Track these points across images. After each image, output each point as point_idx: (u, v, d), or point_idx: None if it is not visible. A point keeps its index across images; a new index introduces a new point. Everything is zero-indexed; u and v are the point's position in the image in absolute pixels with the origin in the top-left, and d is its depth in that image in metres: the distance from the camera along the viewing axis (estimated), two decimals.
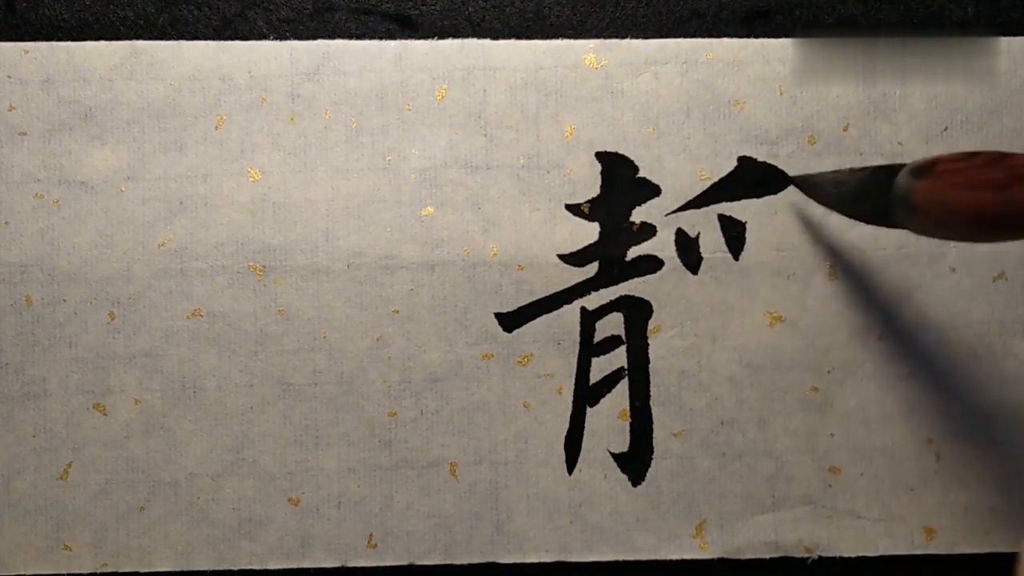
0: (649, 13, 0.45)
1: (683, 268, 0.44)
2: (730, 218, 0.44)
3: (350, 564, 0.43)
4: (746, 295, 0.44)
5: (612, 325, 0.44)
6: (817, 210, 0.43)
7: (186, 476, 0.43)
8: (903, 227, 0.33)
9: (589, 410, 0.44)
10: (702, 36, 0.44)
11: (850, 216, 0.39)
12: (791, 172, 0.44)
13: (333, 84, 0.44)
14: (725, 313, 0.44)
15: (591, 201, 0.44)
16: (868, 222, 0.37)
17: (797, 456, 0.44)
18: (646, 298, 0.44)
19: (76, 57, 0.43)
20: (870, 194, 0.35)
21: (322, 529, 0.43)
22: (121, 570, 0.43)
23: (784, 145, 0.44)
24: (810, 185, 0.42)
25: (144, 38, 0.44)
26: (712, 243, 0.44)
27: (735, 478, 0.44)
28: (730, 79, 0.44)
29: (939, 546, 0.44)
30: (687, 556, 0.43)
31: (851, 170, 0.39)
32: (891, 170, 0.33)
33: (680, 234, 0.44)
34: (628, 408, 0.44)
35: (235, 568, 0.43)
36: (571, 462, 0.44)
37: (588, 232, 0.44)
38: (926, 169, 0.30)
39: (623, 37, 0.44)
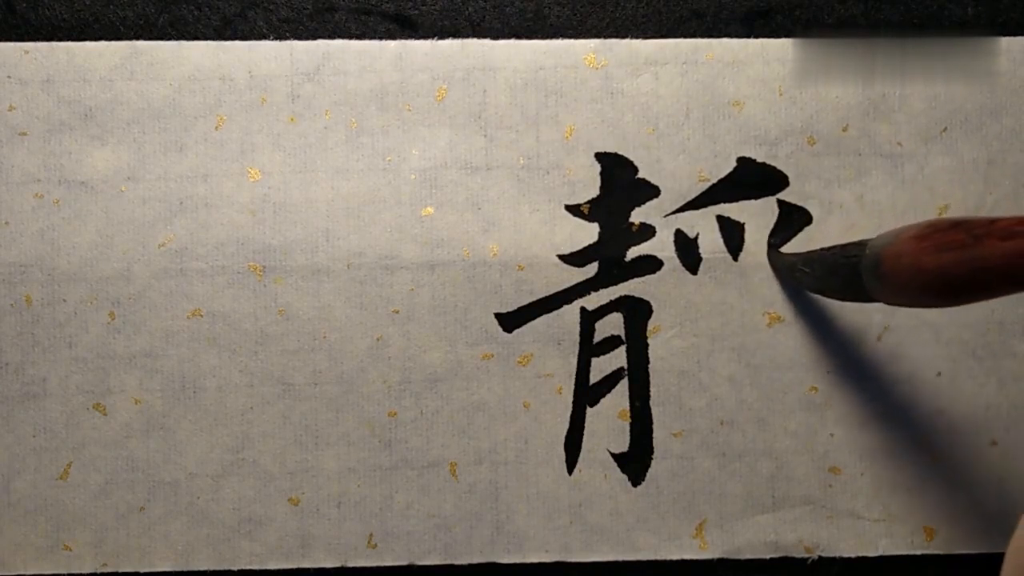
0: (649, 13, 0.45)
1: (682, 268, 0.44)
2: (729, 219, 0.44)
3: (350, 564, 0.43)
4: (745, 295, 0.44)
5: (612, 325, 0.44)
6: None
7: (186, 476, 0.43)
8: (871, 300, 0.34)
9: (589, 410, 0.44)
10: (702, 36, 0.44)
11: (823, 295, 0.40)
12: (791, 172, 0.44)
13: (333, 84, 0.44)
14: (724, 313, 0.44)
15: (591, 201, 0.44)
16: (842, 299, 0.37)
17: (797, 456, 0.44)
18: (646, 298, 0.44)
19: (76, 57, 0.43)
20: (840, 271, 0.35)
21: (322, 529, 0.43)
22: (121, 570, 0.43)
23: (784, 146, 0.44)
24: (781, 267, 0.43)
25: (144, 38, 0.44)
26: (711, 244, 0.44)
27: (735, 478, 0.44)
28: (730, 79, 0.44)
29: (939, 546, 0.44)
30: (687, 556, 0.43)
31: (820, 250, 0.39)
32: (859, 245, 0.34)
33: (679, 235, 0.44)
34: (628, 408, 0.44)
35: (235, 568, 0.43)
36: (571, 462, 0.44)
37: (588, 232, 0.44)
38: (891, 239, 0.31)
39: (623, 37, 0.44)
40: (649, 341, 0.44)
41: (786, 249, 0.44)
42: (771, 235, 0.44)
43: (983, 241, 0.27)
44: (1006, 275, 0.27)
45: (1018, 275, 0.27)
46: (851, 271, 0.34)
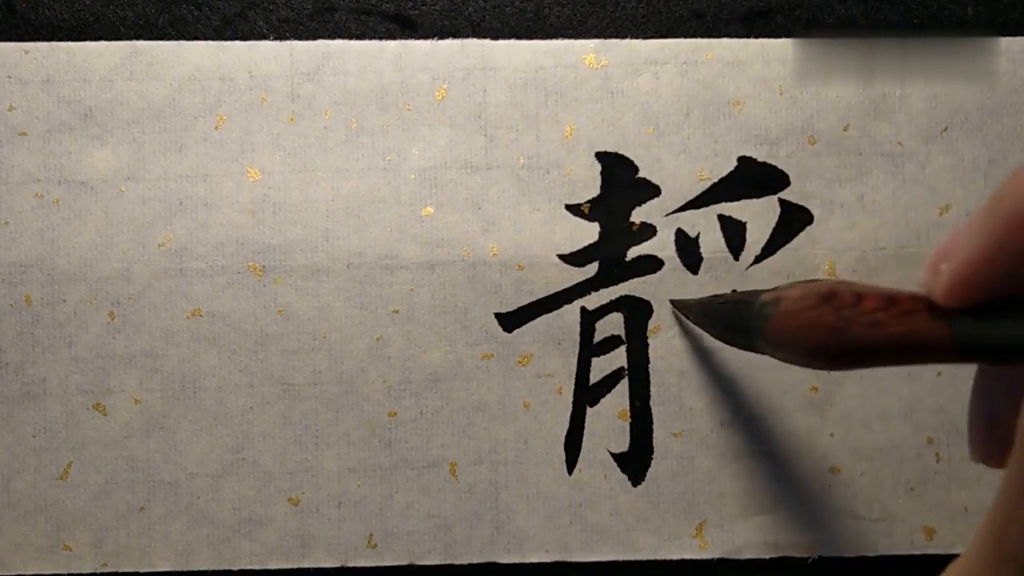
0: (649, 13, 0.45)
1: (683, 268, 0.44)
2: (730, 218, 0.44)
3: (350, 564, 0.43)
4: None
5: (612, 325, 0.44)
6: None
7: (186, 476, 0.43)
8: (767, 355, 0.35)
9: (589, 410, 0.44)
10: (702, 36, 0.44)
11: (726, 343, 0.40)
12: (791, 172, 0.44)
13: (333, 84, 0.44)
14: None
15: (591, 201, 0.44)
16: (740, 348, 0.38)
17: (797, 456, 0.44)
18: (646, 298, 0.44)
19: (76, 57, 0.43)
20: (735, 325, 0.36)
21: (322, 529, 0.43)
22: (121, 570, 0.43)
23: (784, 145, 0.44)
24: (685, 310, 0.43)
25: (144, 38, 0.44)
26: (712, 243, 0.44)
27: (735, 478, 0.44)
28: (730, 79, 0.44)
29: (939, 546, 0.44)
30: (687, 556, 0.43)
31: (719, 298, 0.40)
32: (747, 305, 0.35)
33: (680, 234, 0.44)
34: (628, 408, 0.44)
35: (235, 568, 0.43)
36: (571, 462, 0.44)
37: (588, 232, 0.44)
38: (772, 308, 0.32)
39: (623, 37, 0.44)
40: (649, 341, 0.44)
41: (788, 248, 0.44)
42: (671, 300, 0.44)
43: (852, 327, 0.28)
44: (875, 358, 0.28)
45: (886, 359, 0.28)
46: (744, 330, 0.35)
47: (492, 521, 0.43)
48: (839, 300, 0.29)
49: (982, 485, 0.44)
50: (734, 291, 0.40)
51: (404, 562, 0.43)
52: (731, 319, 0.37)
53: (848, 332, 0.28)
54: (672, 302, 0.44)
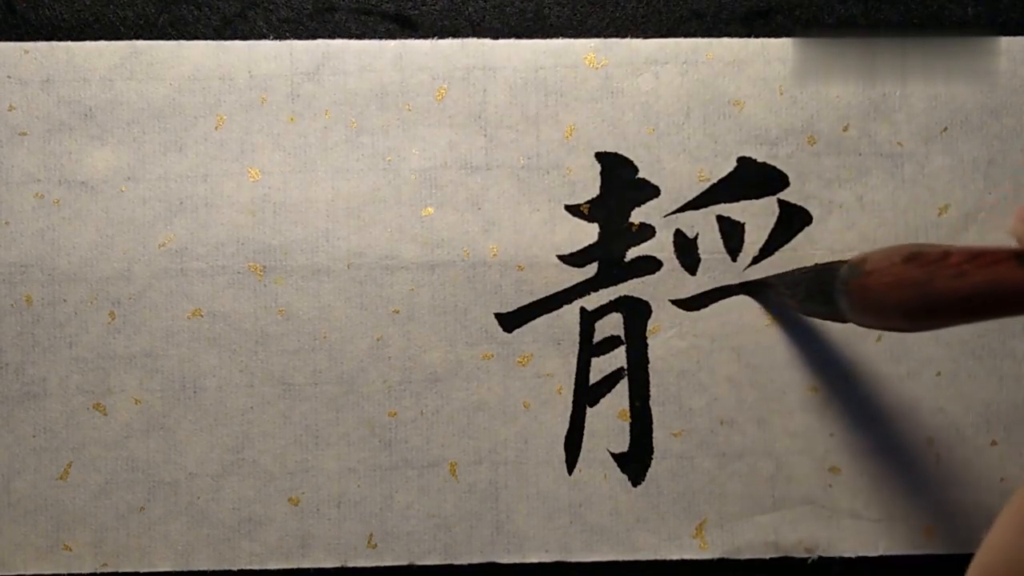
0: (649, 13, 0.45)
1: (682, 269, 0.44)
2: (729, 219, 0.44)
3: (350, 564, 0.43)
4: (744, 295, 0.44)
5: (612, 325, 0.44)
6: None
7: (186, 476, 0.43)
8: (850, 322, 0.35)
9: (589, 410, 0.44)
10: (702, 36, 0.44)
11: (805, 314, 0.41)
12: (791, 172, 0.44)
13: (333, 84, 0.44)
14: (723, 314, 0.44)
15: (591, 201, 0.44)
16: (823, 318, 0.39)
17: (797, 456, 0.44)
18: (645, 298, 0.44)
19: (76, 57, 0.43)
20: (816, 294, 0.37)
21: (322, 529, 0.43)
22: (121, 570, 0.43)
23: (784, 146, 0.44)
24: (765, 291, 0.43)
25: (144, 38, 0.44)
26: (710, 244, 0.44)
27: (735, 478, 0.44)
28: (730, 79, 0.44)
29: (939, 546, 0.44)
30: (687, 556, 0.43)
31: (799, 270, 0.41)
32: (831, 270, 0.36)
33: (679, 235, 0.44)
34: (628, 408, 0.44)
35: (235, 568, 0.43)
36: (571, 462, 0.44)
37: (588, 232, 0.44)
38: (858, 269, 0.32)
39: (623, 37, 0.44)
40: (649, 341, 0.44)
41: (786, 249, 0.44)
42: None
43: (938, 279, 0.29)
44: (960, 311, 0.29)
45: (971, 311, 0.29)
46: (827, 296, 0.35)
47: (492, 521, 0.43)
48: (925, 257, 0.29)
49: (982, 485, 0.44)
50: (816, 264, 0.40)
51: (404, 562, 0.43)
52: (813, 287, 0.37)
53: (933, 284, 0.28)
54: (747, 284, 0.44)
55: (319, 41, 0.44)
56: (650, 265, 0.44)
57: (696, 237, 0.44)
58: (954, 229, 0.44)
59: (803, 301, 0.39)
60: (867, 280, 0.32)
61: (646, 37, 0.44)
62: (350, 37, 0.44)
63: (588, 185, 0.44)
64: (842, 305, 0.34)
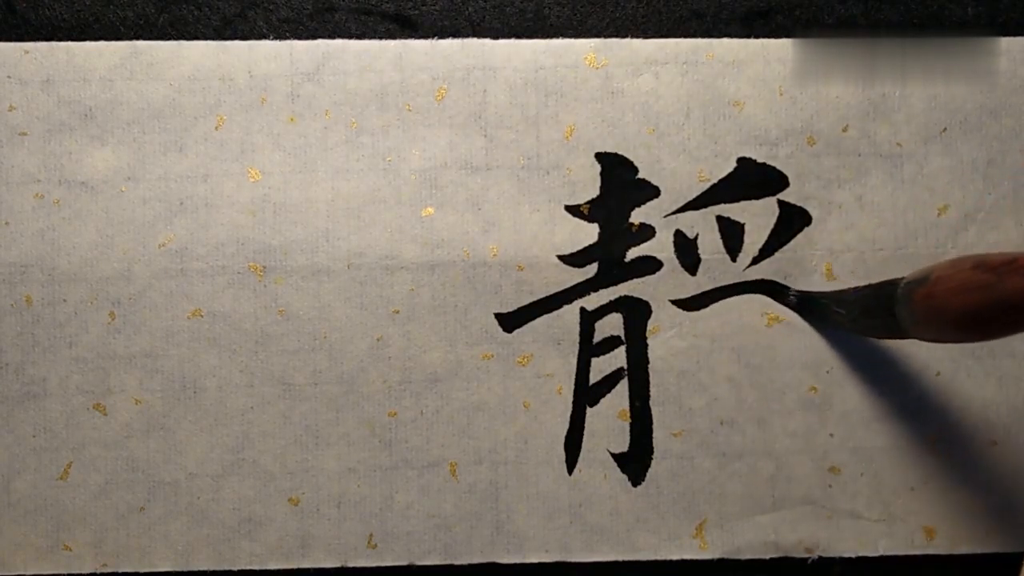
0: (649, 13, 0.45)
1: (682, 269, 0.44)
2: (729, 219, 0.44)
3: (350, 564, 0.43)
4: (744, 295, 0.44)
5: (611, 325, 0.44)
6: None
7: (186, 476, 0.43)
8: (909, 337, 0.35)
9: (589, 410, 0.44)
10: (702, 36, 0.44)
11: (858, 332, 0.40)
12: (791, 173, 0.44)
13: (333, 84, 0.44)
14: (723, 314, 0.44)
15: (591, 202, 0.44)
16: (877, 336, 0.39)
17: (797, 456, 0.44)
18: (645, 299, 0.44)
19: (76, 57, 0.43)
20: (874, 310, 0.37)
21: (322, 529, 0.43)
22: (121, 570, 0.43)
23: (784, 146, 0.44)
24: (813, 307, 0.43)
25: (144, 38, 0.44)
26: (710, 244, 0.44)
27: (735, 478, 0.44)
28: (730, 79, 0.44)
29: (939, 546, 0.44)
30: (687, 556, 0.43)
31: (852, 289, 0.41)
32: (891, 285, 0.35)
33: (679, 235, 0.44)
34: (628, 408, 0.44)
35: (235, 568, 0.43)
36: (571, 462, 0.44)
37: (588, 233, 0.44)
38: (922, 280, 0.32)
39: (623, 37, 0.44)
40: (649, 341, 0.44)
41: (786, 250, 0.44)
42: (790, 293, 0.44)
43: (1006, 279, 0.29)
44: None
45: None
46: (886, 312, 0.35)
47: (492, 521, 0.43)
48: (991, 262, 0.29)
49: (982, 485, 0.44)
50: (870, 284, 0.40)
51: (404, 562, 0.43)
52: (871, 302, 0.37)
53: (1003, 285, 0.28)
54: (793, 296, 0.43)
55: (319, 41, 0.44)
56: (650, 265, 0.44)
57: (696, 237, 0.44)
58: (954, 229, 0.44)
59: (857, 319, 0.39)
60: (933, 288, 0.31)
61: (646, 37, 0.44)
62: (350, 37, 0.44)
63: (588, 185, 0.44)
64: (904, 317, 0.33)
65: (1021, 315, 0.29)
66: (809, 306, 0.43)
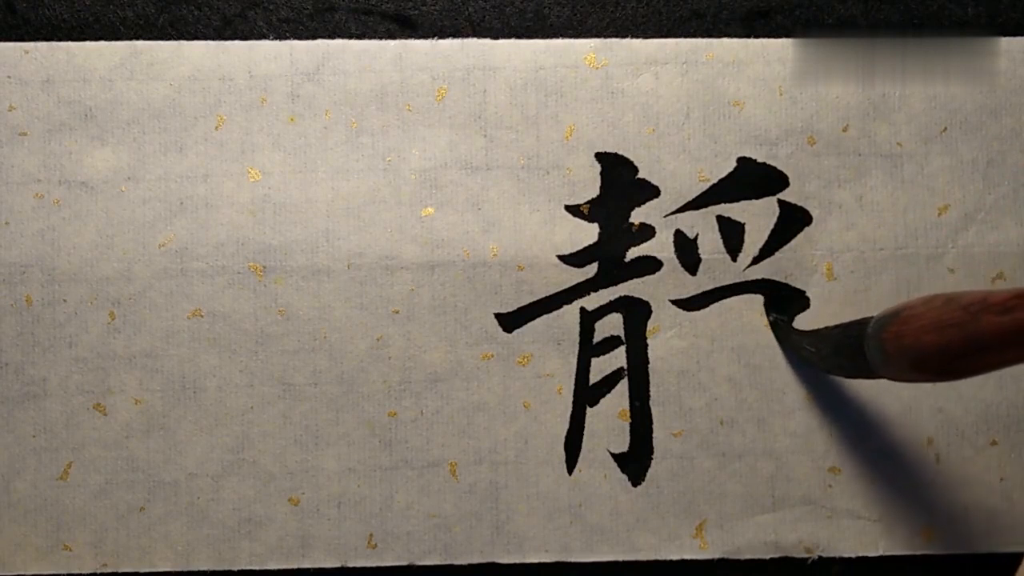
0: (649, 13, 0.45)
1: (682, 269, 0.44)
2: (729, 219, 0.44)
3: (350, 564, 0.43)
4: (744, 295, 0.44)
5: (611, 325, 0.44)
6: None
7: (186, 476, 0.43)
8: (879, 376, 0.34)
9: (589, 410, 0.44)
10: (702, 36, 0.44)
11: (829, 371, 0.40)
12: (791, 172, 0.44)
13: (333, 84, 0.44)
14: (723, 314, 0.44)
15: (591, 202, 0.44)
16: (847, 376, 0.38)
17: (797, 456, 0.44)
18: (645, 299, 0.44)
19: (76, 57, 0.43)
20: (844, 348, 0.36)
21: (322, 529, 0.43)
22: (121, 570, 0.43)
23: (784, 146, 0.44)
24: (790, 344, 0.43)
25: (144, 38, 0.44)
26: (710, 244, 0.44)
27: (735, 478, 0.44)
28: (730, 79, 0.44)
29: (939, 546, 0.44)
30: (687, 556, 0.43)
31: (824, 329, 0.40)
32: (861, 324, 0.35)
33: (679, 235, 0.44)
34: (628, 408, 0.44)
35: (235, 568, 0.43)
36: (571, 462, 0.44)
37: (588, 233, 0.44)
38: (892, 317, 0.32)
39: (623, 37, 0.44)
40: (649, 341, 0.44)
41: (786, 250, 0.44)
42: (774, 312, 0.44)
43: (980, 318, 0.28)
44: (1005, 349, 0.28)
45: (1017, 348, 0.28)
46: (854, 350, 0.35)
47: (492, 521, 0.43)
48: (965, 299, 0.29)
49: (982, 485, 0.44)
50: (836, 325, 0.40)
51: (404, 562, 0.43)
52: (841, 341, 0.36)
53: (978, 323, 0.28)
54: (772, 328, 0.44)
55: (319, 41, 0.44)
56: (650, 265, 0.44)
57: (696, 237, 0.44)
58: (954, 229, 0.44)
59: (827, 357, 0.38)
60: (903, 327, 0.31)
61: (646, 37, 0.44)
62: (350, 37, 0.44)
63: (588, 185, 0.44)
64: (874, 356, 0.33)
65: (994, 355, 0.28)
66: (782, 339, 0.43)
